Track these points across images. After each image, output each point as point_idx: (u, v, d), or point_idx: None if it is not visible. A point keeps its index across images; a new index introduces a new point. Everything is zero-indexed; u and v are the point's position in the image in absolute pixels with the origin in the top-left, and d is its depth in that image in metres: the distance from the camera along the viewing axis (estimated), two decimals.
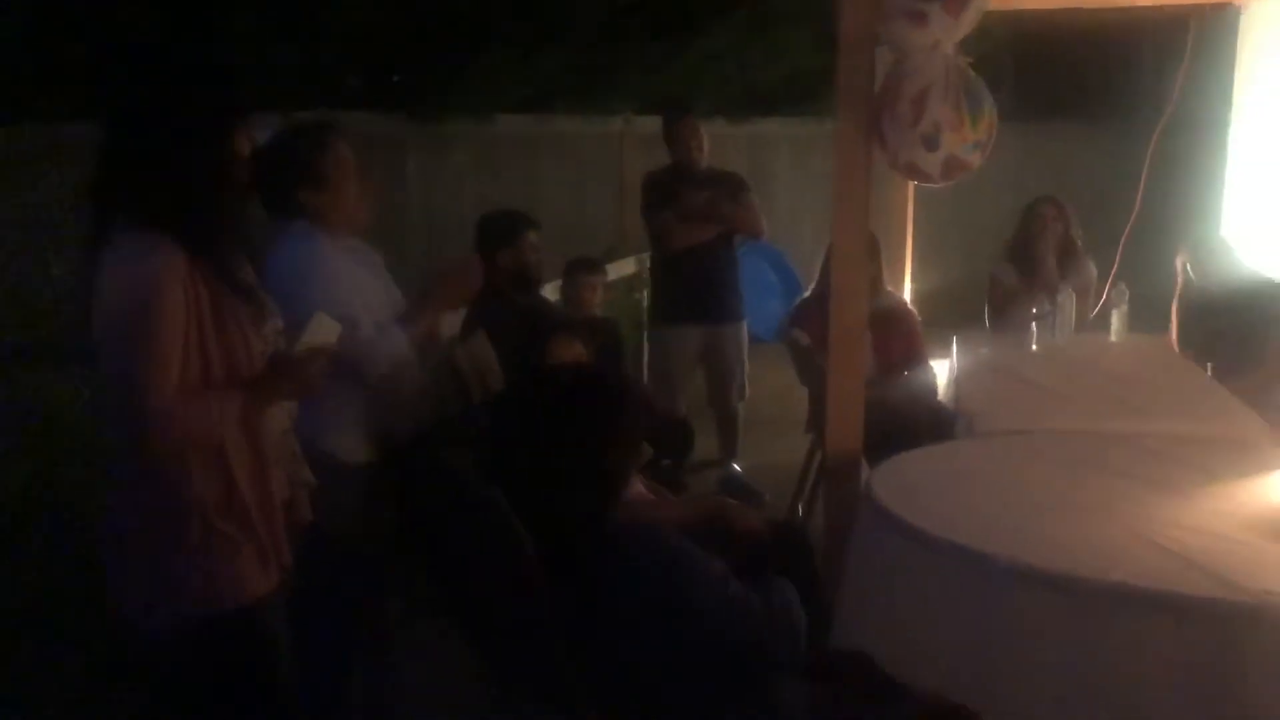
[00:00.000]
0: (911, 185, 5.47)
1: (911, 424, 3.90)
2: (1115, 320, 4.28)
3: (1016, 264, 4.63)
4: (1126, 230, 6.60)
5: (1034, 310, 4.11)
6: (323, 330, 2.00)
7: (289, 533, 1.97)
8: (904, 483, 2.51)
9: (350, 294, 2.36)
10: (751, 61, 8.87)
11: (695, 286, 4.69)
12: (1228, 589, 1.85)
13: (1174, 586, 1.87)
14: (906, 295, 6.08)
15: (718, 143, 5.11)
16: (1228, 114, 8.19)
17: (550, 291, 4.41)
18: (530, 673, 1.60)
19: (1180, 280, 4.49)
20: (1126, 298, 4.33)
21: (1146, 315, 4.89)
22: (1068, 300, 4.27)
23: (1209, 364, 4.12)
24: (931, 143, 2.69)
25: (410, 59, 7.50)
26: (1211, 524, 2.18)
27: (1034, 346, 4.07)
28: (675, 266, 4.71)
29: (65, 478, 3.75)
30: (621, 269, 6.17)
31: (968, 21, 2.71)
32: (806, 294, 4.63)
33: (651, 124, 5.34)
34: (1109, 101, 11.19)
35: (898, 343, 4.40)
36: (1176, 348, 4.34)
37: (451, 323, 3.67)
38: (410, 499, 1.80)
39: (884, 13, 2.70)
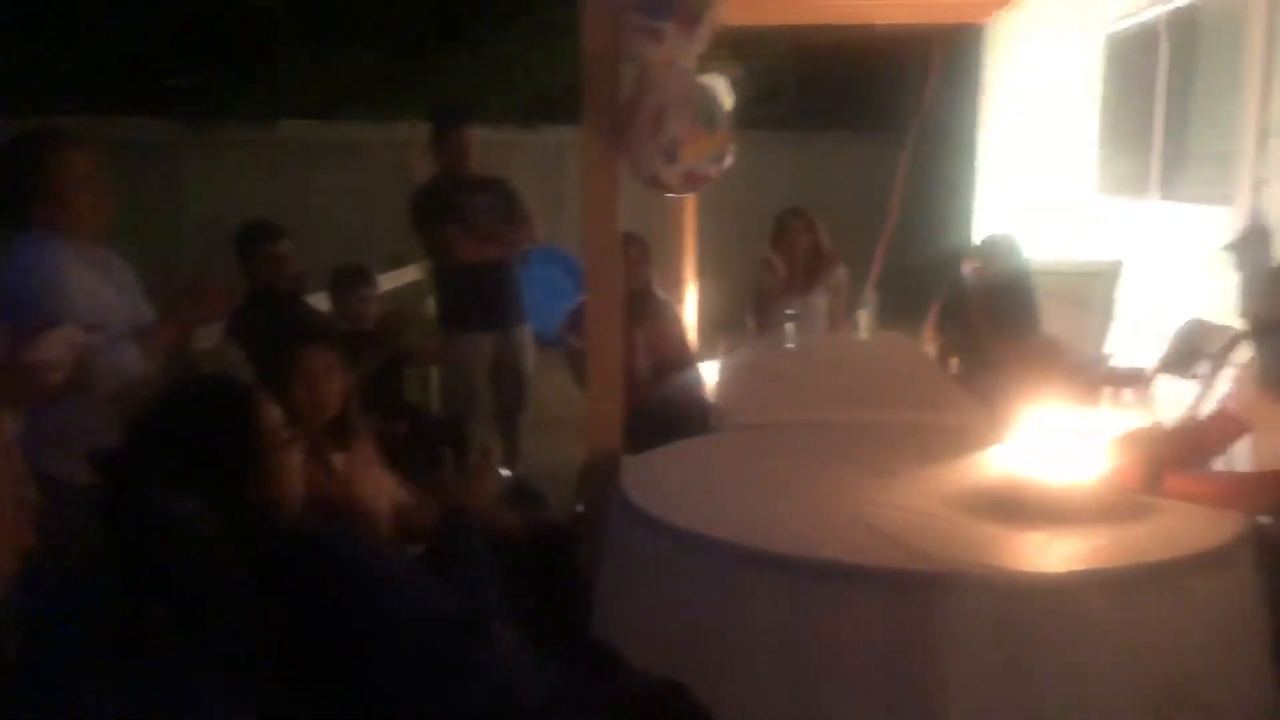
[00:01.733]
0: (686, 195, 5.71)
1: (682, 422, 4.08)
2: (863, 320, 4.59)
3: (771, 269, 4.90)
4: (885, 234, 7.07)
5: (787, 312, 4.37)
6: (57, 340, 1.96)
7: (8, 554, 1.91)
8: (651, 477, 2.64)
9: (82, 305, 2.31)
10: (540, 68, 8.99)
11: (483, 294, 4.74)
12: (920, 560, 2.05)
13: (874, 561, 2.06)
14: (691, 299, 6.33)
15: (508, 150, 5.18)
16: (972, 127, 8.86)
17: (321, 301, 4.37)
18: (248, 681, 1.62)
19: (957, 281, 4.83)
20: (874, 299, 4.65)
21: (903, 315, 5.26)
22: (819, 302, 4.56)
23: (957, 358, 4.49)
24: (671, 155, 2.83)
25: (188, 62, 7.24)
26: (918, 502, 2.40)
27: (788, 345, 4.32)
28: (461, 275, 4.74)
29: None
30: (406, 276, 6.14)
31: (701, 39, 2.87)
32: (581, 298, 4.76)
33: None
34: (882, 113, 11.87)
35: (668, 343, 4.58)
36: (932, 344, 4.68)
37: (208, 334, 3.61)
38: (115, 521, 1.78)
39: (624, 30, 2.83)
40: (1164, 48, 5.30)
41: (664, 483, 2.60)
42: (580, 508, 4.39)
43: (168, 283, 2.63)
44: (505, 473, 4.99)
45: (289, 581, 1.69)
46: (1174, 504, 2.36)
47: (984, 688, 1.98)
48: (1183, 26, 5.21)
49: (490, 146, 5.13)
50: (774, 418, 3.25)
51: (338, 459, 2.51)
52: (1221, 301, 4.45)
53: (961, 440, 2.99)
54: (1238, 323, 4.36)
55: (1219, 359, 4.07)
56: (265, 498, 1.81)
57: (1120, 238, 5.68)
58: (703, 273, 6.47)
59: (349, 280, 4.19)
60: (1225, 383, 4.10)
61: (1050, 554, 2.13)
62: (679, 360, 4.65)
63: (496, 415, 5.04)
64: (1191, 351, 4.31)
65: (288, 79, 7.48)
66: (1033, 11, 7.14)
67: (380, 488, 2.70)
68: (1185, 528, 2.23)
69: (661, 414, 3.97)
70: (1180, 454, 2.66)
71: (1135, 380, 4.43)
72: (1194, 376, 4.22)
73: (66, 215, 2.40)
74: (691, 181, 2.91)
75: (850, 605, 2.02)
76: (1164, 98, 5.32)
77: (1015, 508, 2.32)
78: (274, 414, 1.85)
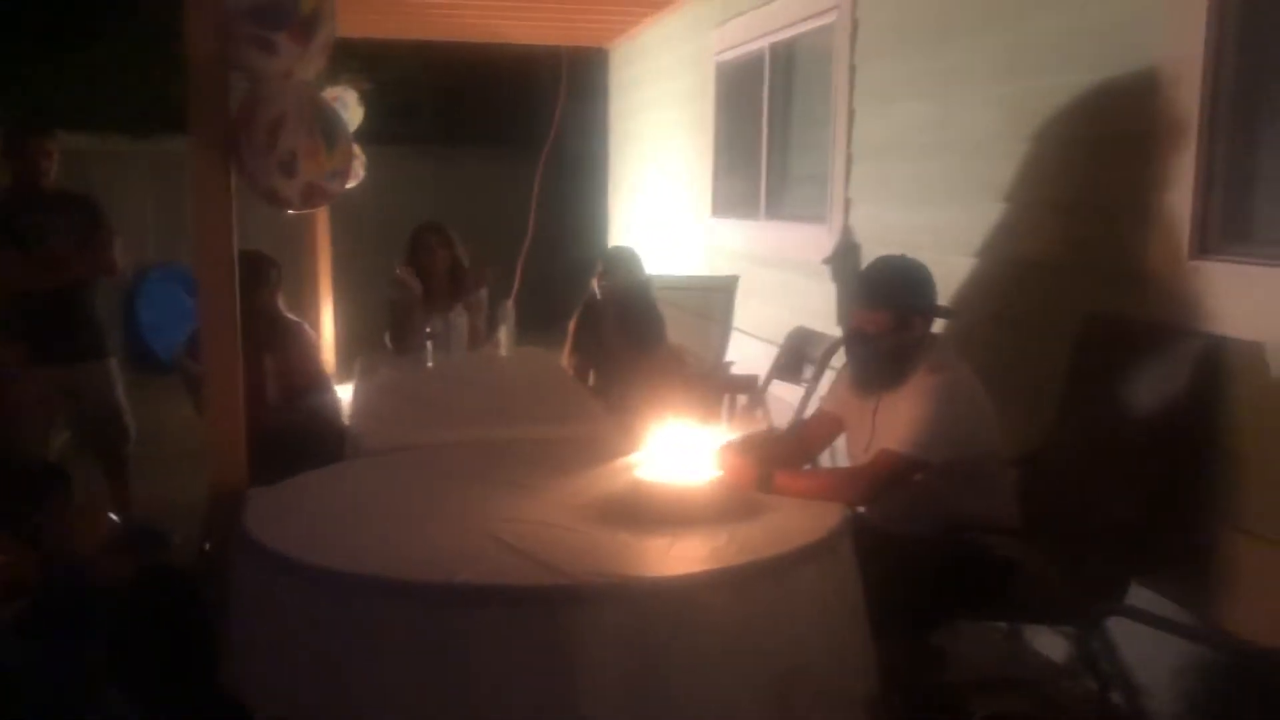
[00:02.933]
0: (325, 208, 5.50)
1: (315, 450, 3.90)
2: (503, 335, 4.62)
3: (406, 286, 4.82)
4: (523, 250, 7.19)
5: (425, 330, 4.31)
6: None
7: None
8: (277, 508, 2.50)
9: None
10: (156, 75, 8.36)
11: (47, 324, 4.25)
12: (553, 574, 2.08)
13: (507, 579, 2.06)
14: (327, 317, 6.09)
15: (123, 161, 4.73)
16: (603, 144, 9.24)
17: None
18: None
19: (589, 294, 4.96)
20: (512, 315, 4.69)
21: (540, 329, 5.35)
22: (460, 319, 4.54)
23: (592, 371, 4.61)
24: (289, 169, 2.71)
25: None
26: (551, 516, 2.43)
27: (429, 364, 4.26)
28: (20, 303, 4.24)
29: None
30: None
31: (318, 50, 2.77)
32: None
33: None
34: (518, 130, 12.07)
35: (297, 365, 4.38)
36: (569, 358, 4.78)
37: None
38: None
39: (232, 39, 2.67)
40: (766, 78, 5.76)
41: (291, 516, 2.47)
42: (207, 546, 4.10)
43: None
44: (113, 517, 4.56)
45: None
46: (783, 501, 2.55)
47: (619, 694, 2.03)
48: (782, 60, 5.69)
49: (97, 157, 4.68)
50: (409, 440, 3.17)
51: None
52: (823, 311, 4.90)
53: (593, 452, 3.08)
54: (837, 330, 4.81)
55: (821, 363, 4.46)
56: None
57: (736, 254, 6.10)
58: (339, 291, 6.28)
59: None
60: (826, 385, 4.52)
61: (673, 557, 2.22)
62: (311, 384, 4.45)
63: (97, 455, 4.59)
64: (798, 357, 4.70)
65: None
66: (651, 38, 7.54)
67: None
68: (793, 523, 2.41)
69: (293, 441, 3.77)
70: (788, 454, 2.89)
71: (751, 386, 4.77)
72: (800, 381, 4.61)
73: None
74: (312, 197, 2.80)
75: (485, 626, 2.01)
76: (768, 125, 5.78)
77: (640, 514, 2.41)
78: None
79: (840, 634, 2.29)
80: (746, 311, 5.53)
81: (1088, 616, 2.65)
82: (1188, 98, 2.76)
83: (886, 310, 2.76)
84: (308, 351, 4.57)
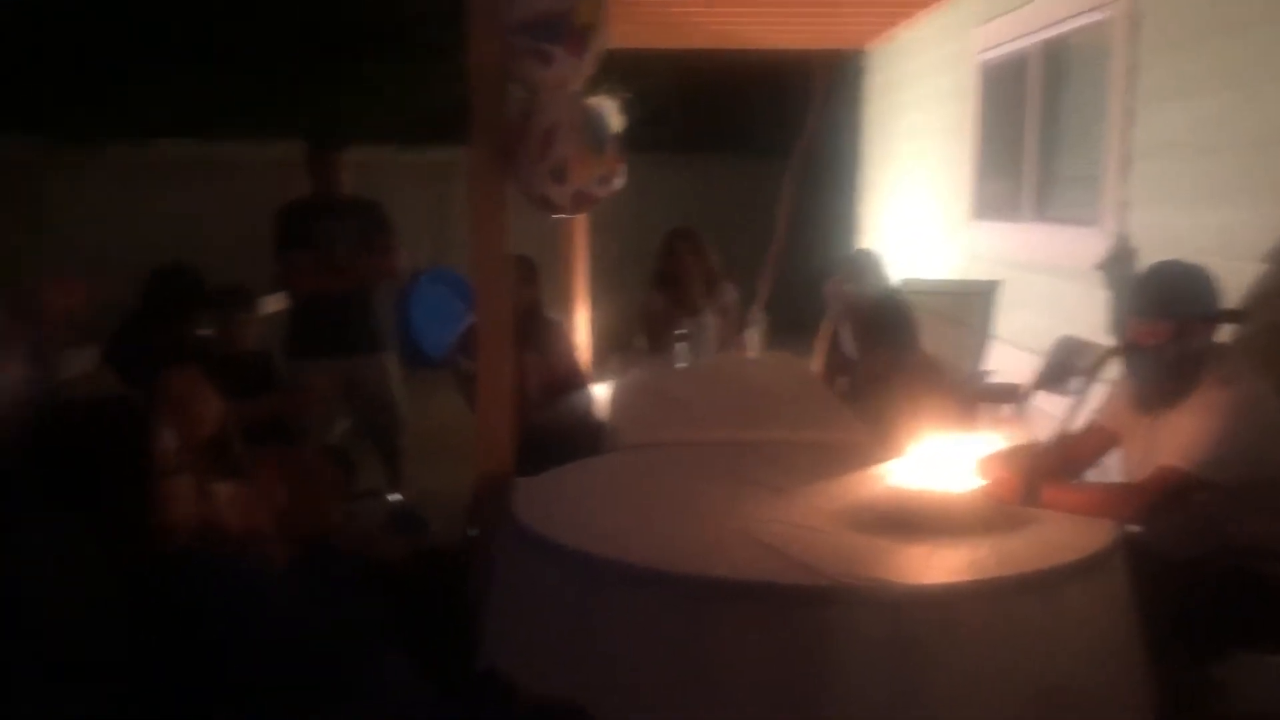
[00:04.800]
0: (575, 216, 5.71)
1: (572, 445, 4.06)
2: (752, 340, 4.65)
3: (663, 290, 4.93)
4: (771, 255, 7.19)
5: (678, 332, 4.40)
6: None
7: None
8: (543, 498, 2.63)
9: None
10: (430, 87, 8.92)
11: (328, 320, 4.64)
12: (808, 574, 2.08)
13: (762, 575, 2.08)
14: (582, 320, 6.32)
15: (397, 170, 5.10)
16: (854, 149, 9.10)
17: (200, 324, 4.23)
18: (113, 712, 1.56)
19: (836, 301, 4.93)
20: (763, 319, 4.72)
21: (791, 334, 5.34)
22: (710, 321, 4.60)
23: (843, 377, 4.57)
24: (560, 176, 2.83)
25: (55, 77, 6.97)
26: (806, 518, 2.44)
27: (680, 365, 4.34)
28: (308, 302, 4.66)
29: None
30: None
31: (590, 61, 2.89)
32: (471, 320, 4.71)
33: None
34: (766, 136, 12.08)
35: (558, 363, 4.57)
36: (820, 363, 4.76)
37: (84, 361, 3.47)
38: None
39: (511, 51, 2.82)
40: (1034, 77, 5.52)
41: (555, 505, 2.58)
42: (471, 533, 4.34)
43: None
44: (394, 497, 4.91)
45: (175, 607, 1.63)
46: (1050, 515, 2.45)
47: (871, 699, 2.01)
48: (1052, 57, 5.43)
49: (374, 167, 5.06)
50: (665, 438, 3.25)
51: (217, 486, 2.43)
52: (1093, 319, 4.64)
53: (848, 457, 3.05)
54: (1108, 340, 4.54)
55: (1090, 375, 4.22)
56: (152, 523, 1.75)
57: (997, 259, 5.88)
58: (594, 294, 6.49)
59: (228, 303, 4.07)
60: (1096, 397, 4.28)
61: (934, 566, 2.18)
62: (570, 382, 4.64)
63: (374, 443, 4.96)
64: (1064, 368, 4.46)
65: (161, 96, 7.25)
66: (911, 40, 7.38)
67: (254, 513, 2.62)
68: (1061, 537, 2.31)
69: (553, 436, 3.95)
70: (1055, 467, 2.76)
71: (1011, 396, 4.58)
72: (1067, 392, 4.37)
73: None
74: (580, 202, 2.92)
75: (740, 621, 2.04)
76: (1035, 124, 5.54)
77: (899, 522, 2.37)
78: (166, 437, 1.80)
79: (1109, 657, 2.18)
80: (1006, 319, 5.31)
81: None
82: None
83: (1166, 320, 2.59)
84: (567, 350, 4.76)
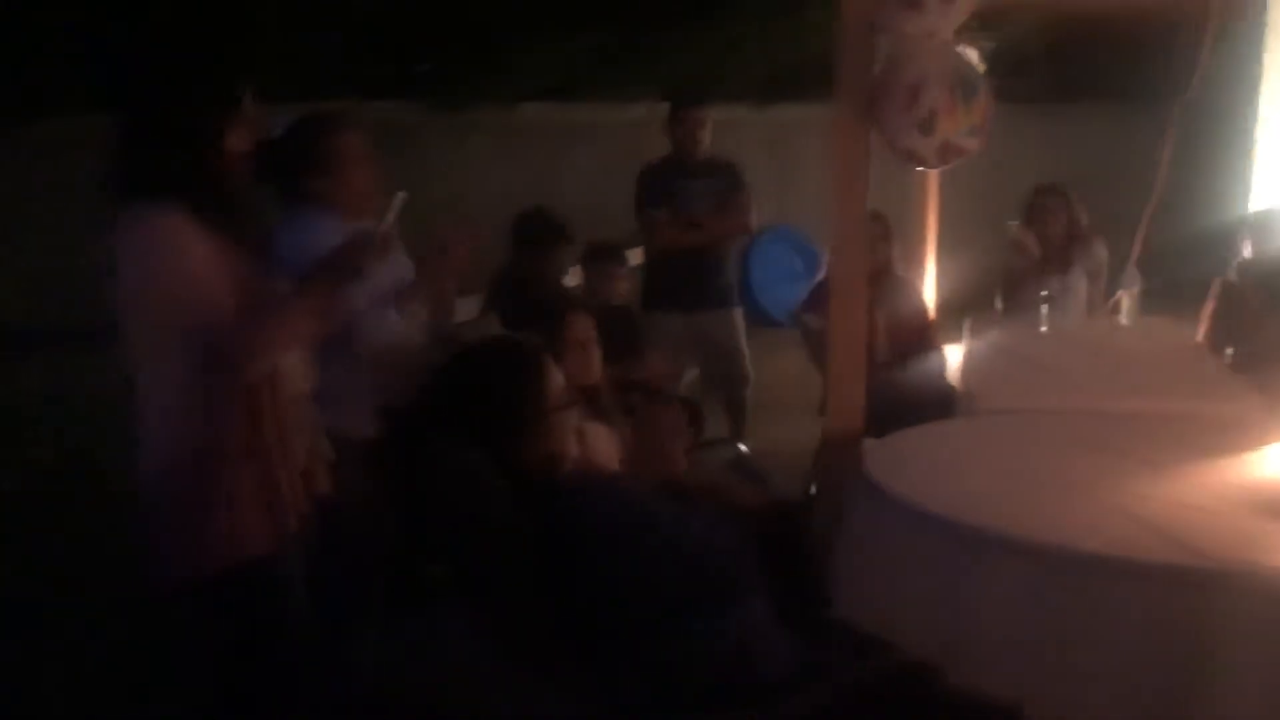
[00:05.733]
0: (936, 170, 5.50)
1: (920, 406, 3.97)
2: (1124, 303, 4.31)
3: (1023, 248, 4.68)
4: (1147, 213, 6.62)
5: (1041, 294, 4.16)
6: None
7: (307, 502, 2.08)
8: (897, 458, 2.59)
9: None
10: (775, 45, 8.89)
11: (681, 274, 4.77)
12: (1191, 555, 1.91)
13: (1140, 554, 1.94)
14: (930, 280, 6.13)
15: (740, 129, 5.17)
16: (1250, 96, 8.15)
17: (571, 278, 4.50)
18: (518, 632, 1.71)
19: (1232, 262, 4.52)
20: (1138, 281, 4.35)
21: (1164, 298, 4.91)
22: (1078, 283, 4.31)
23: (1232, 347, 4.15)
24: (927, 128, 2.74)
25: (433, 46, 7.57)
26: (1191, 497, 2.24)
27: (1043, 328, 4.11)
28: (663, 257, 4.82)
29: (103, 457, 3.93)
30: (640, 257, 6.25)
31: (963, 9, 2.76)
32: (819, 277, 4.69)
33: None
34: (1137, 82, 11.07)
35: (910, 325, 4.45)
36: (1205, 331, 4.36)
37: (469, 308, 3.79)
38: (407, 471, 1.91)
39: (882, 1, 2.76)
40: None
41: (910, 466, 2.54)
42: (813, 490, 4.35)
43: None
44: (741, 447, 5.01)
45: (573, 530, 1.77)
46: None
47: (1255, 693, 1.84)
48: None
49: (722, 126, 5.12)
50: (1027, 403, 3.10)
51: (590, 426, 2.58)
52: None
53: (1235, 433, 2.78)
54: None
55: None
56: (545, 454, 1.90)
57: None
58: (943, 252, 6.25)
59: (600, 258, 4.30)
60: None
61: None
62: (921, 342, 4.51)
63: (719, 394, 5.07)
64: None
65: (527, 63, 7.69)
66: None
67: (618, 453, 2.76)
68: None
69: (901, 397, 3.86)
70: None
71: None
72: None
73: (340, 192, 2.58)
74: (948, 155, 2.81)
75: (1115, 600, 1.92)
76: None
77: None
78: (559, 377, 1.95)
79: None
80: None
81: None
82: None
83: None
84: (919, 310, 4.64)
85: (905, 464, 2.54)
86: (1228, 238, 5.41)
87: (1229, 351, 4.03)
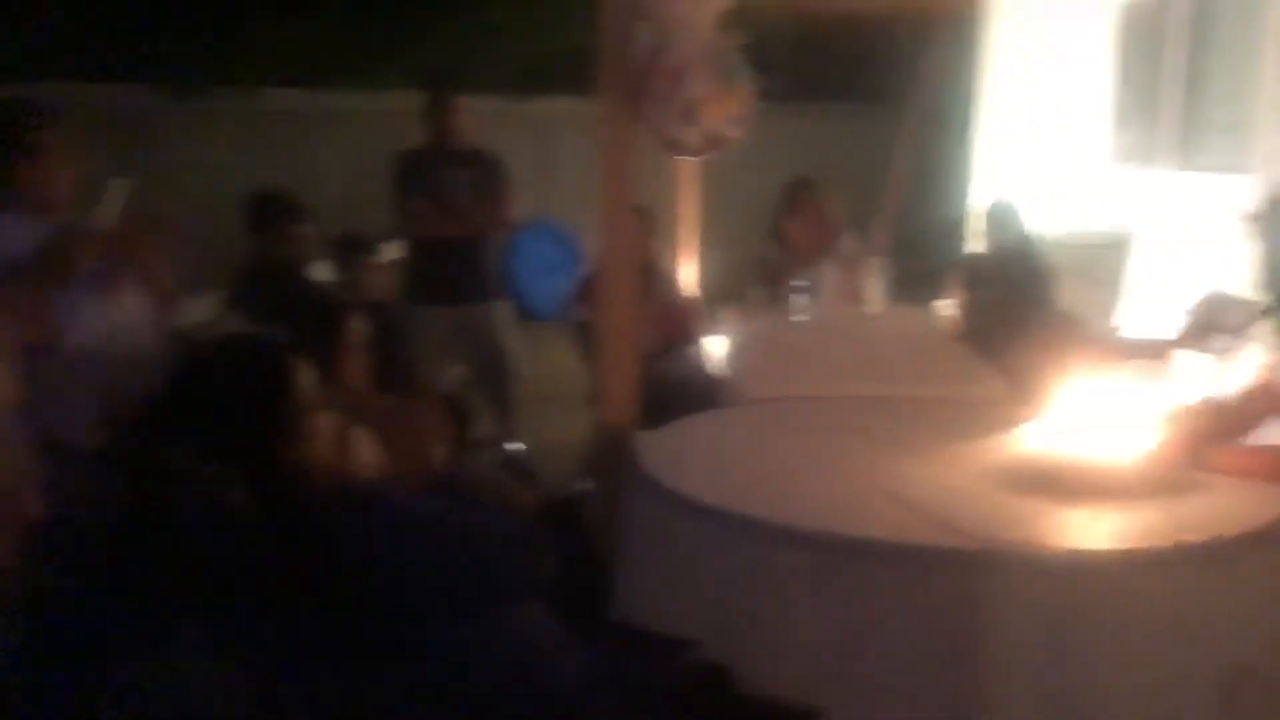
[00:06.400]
0: (697, 161, 5.56)
1: (688, 398, 3.98)
2: (873, 291, 4.48)
3: (778, 241, 4.79)
4: (887, 205, 6.96)
5: (796, 284, 4.25)
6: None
7: (8, 525, 1.80)
8: (672, 451, 2.54)
9: None
10: (531, 36, 8.81)
11: (442, 267, 4.61)
12: (959, 538, 1.95)
13: (915, 538, 1.97)
14: (692, 271, 6.20)
15: (497, 120, 5.05)
16: (972, 99, 8.75)
17: (321, 271, 4.25)
18: (273, 655, 1.53)
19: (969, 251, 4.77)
20: (884, 271, 4.53)
21: (908, 287, 5.15)
22: (831, 274, 4.45)
23: (978, 336, 4.38)
24: (690, 117, 2.71)
25: (168, 26, 7.04)
26: (952, 478, 2.31)
27: (800, 318, 4.20)
28: (425, 249, 4.64)
29: None
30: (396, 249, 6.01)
31: None
32: (587, 270, 4.64)
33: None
34: (874, 84, 11.69)
35: (673, 317, 4.47)
36: (948, 316, 4.58)
37: (208, 305, 3.49)
38: (135, 487, 1.69)
39: None
40: (1179, 17, 5.20)
41: (686, 458, 2.49)
42: (583, 485, 4.29)
43: None
44: (514, 446, 4.88)
45: (332, 545, 1.60)
46: (1218, 480, 2.28)
47: (1028, 672, 1.89)
48: None
49: (479, 117, 5.00)
50: (792, 391, 3.14)
51: (350, 429, 2.40)
52: (1240, 273, 4.37)
53: (988, 415, 2.90)
54: (1257, 295, 4.27)
55: (1239, 332, 3.97)
56: (297, 464, 1.72)
57: (1132, 208, 5.59)
58: (703, 245, 6.35)
59: (353, 250, 4.07)
60: (1248, 356, 4.02)
61: (1099, 532, 2.04)
62: (685, 334, 4.54)
63: (485, 391, 4.93)
64: (1210, 325, 4.21)
65: (272, 46, 7.29)
66: None
67: (380, 456, 2.59)
68: (1235, 504, 2.15)
69: (667, 389, 3.86)
70: (1222, 428, 2.58)
71: (1155, 352, 4.30)
72: (1213, 350, 4.13)
73: (37, 188, 2.32)
74: (711, 144, 2.80)
75: (891, 585, 1.93)
76: (1179, 67, 5.22)
77: (1057, 483, 2.23)
78: (308, 377, 1.76)
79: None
80: (1143, 271, 5.05)
81: None
82: None
83: None
84: (682, 301, 4.66)
85: (681, 456, 2.50)
86: (963, 228, 5.74)
87: (970, 336, 4.25)
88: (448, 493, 2.38)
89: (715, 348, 4.47)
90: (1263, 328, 3.97)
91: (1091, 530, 2.05)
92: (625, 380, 2.97)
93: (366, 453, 2.33)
